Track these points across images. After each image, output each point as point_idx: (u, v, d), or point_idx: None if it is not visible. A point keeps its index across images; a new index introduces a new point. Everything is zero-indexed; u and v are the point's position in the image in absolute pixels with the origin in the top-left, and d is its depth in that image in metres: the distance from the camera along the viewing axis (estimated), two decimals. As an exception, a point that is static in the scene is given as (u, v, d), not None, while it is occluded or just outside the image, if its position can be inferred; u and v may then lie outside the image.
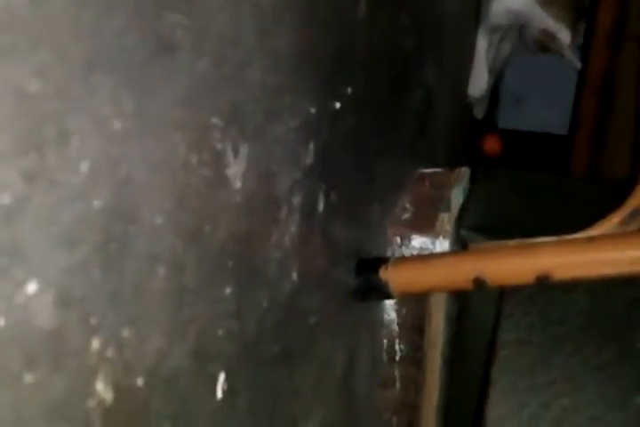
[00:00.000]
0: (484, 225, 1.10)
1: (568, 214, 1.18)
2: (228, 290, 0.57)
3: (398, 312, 1.04)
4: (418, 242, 1.04)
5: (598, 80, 1.89)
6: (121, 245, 0.41)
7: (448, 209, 1.13)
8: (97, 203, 0.39)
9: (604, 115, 1.92)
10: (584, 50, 1.92)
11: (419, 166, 1.26)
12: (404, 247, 1.04)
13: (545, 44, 1.78)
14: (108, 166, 0.39)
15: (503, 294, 0.98)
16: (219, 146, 0.53)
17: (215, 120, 0.52)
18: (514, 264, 0.80)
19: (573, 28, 1.71)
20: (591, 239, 0.77)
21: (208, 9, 0.50)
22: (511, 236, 0.99)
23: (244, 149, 0.57)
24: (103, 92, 0.39)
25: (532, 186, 1.30)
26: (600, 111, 1.92)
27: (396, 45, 1.09)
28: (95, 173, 0.38)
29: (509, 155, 2.41)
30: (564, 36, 1.72)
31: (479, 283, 0.81)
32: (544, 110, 2.41)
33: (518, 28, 1.78)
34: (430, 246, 1.04)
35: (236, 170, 0.56)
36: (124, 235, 0.41)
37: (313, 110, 0.72)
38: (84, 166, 0.37)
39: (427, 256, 0.95)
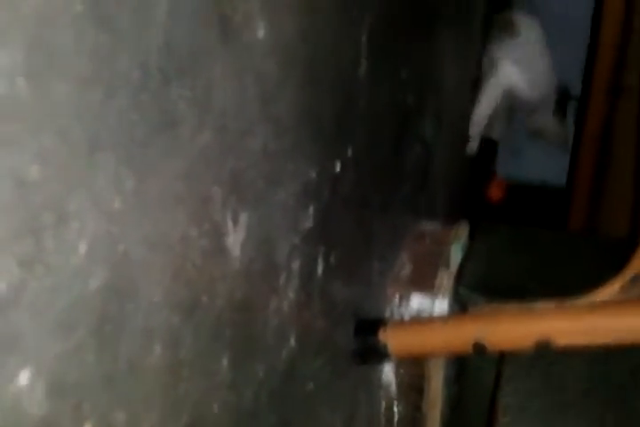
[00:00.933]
0: (484, 284, 1.10)
1: (568, 272, 1.17)
2: (224, 361, 0.56)
3: (397, 373, 1.02)
4: (417, 301, 1.03)
5: (596, 131, 1.90)
6: (117, 324, 0.40)
7: (447, 266, 1.12)
8: (94, 283, 0.38)
9: (603, 167, 1.93)
10: (582, 101, 1.93)
11: (418, 222, 1.25)
12: (403, 306, 1.03)
13: (541, 133, 1.88)
14: (106, 245, 0.39)
15: (503, 357, 0.97)
16: (218, 216, 0.53)
17: (215, 190, 0.52)
18: (514, 330, 0.79)
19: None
20: (592, 306, 0.77)
21: (212, 81, 0.49)
22: (511, 295, 0.98)
23: (243, 217, 0.57)
24: (106, 171, 0.38)
25: (531, 242, 1.29)
26: (598, 163, 1.93)
27: (396, 101, 1.09)
28: (93, 253, 0.37)
29: (508, 206, 2.41)
30: (564, 133, 1.82)
31: (479, 348, 0.80)
32: (542, 162, 2.42)
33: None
34: (429, 306, 1.03)
35: (235, 238, 0.56)
36: (120, 314, 0.41)
37: (313, 174, 0.72)
38: (82, 247, 0.37)
39: (425, 319, 0.94)
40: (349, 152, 0.86)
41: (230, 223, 0.55)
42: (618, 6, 1.70)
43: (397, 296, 1.03)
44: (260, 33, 0.58)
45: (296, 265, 0.69)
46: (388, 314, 1.02)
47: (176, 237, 0.47)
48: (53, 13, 0.33)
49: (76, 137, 0.35)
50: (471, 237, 1.27)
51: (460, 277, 1.12)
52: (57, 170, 0.34)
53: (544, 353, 0.90)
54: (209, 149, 0.50)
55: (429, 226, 1.24)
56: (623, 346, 0.81)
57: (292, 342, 0.69)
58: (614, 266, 0.91)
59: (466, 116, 1.84)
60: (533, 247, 1.27)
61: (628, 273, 0.85)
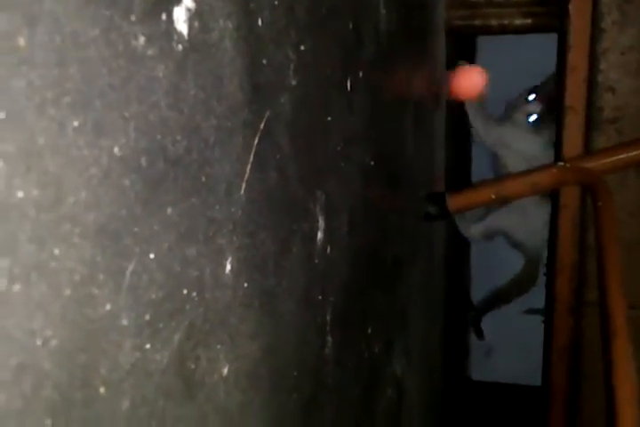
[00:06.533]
0: None
1: None
2: None
3: None
4: None
5: (565, 346, 1.90)
6: None
7: None
8: None
9: (576, 378, 1.91)
10: (547, 314, 1.94)
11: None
12: None
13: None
14: None
15: None
16: None
17: None
18: None
19: None
20: None
21: None
22: None
23: None
24: None
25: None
26: (571, 376, 1.91)
27: (363, 357, 1.09)
28: None
29: (482, 407, 2.36)
30: None
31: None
32: (514, 361, 2.40)
33: None
34: None
35: None
36: None
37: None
38: None
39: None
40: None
41: None
42: (571, 225, 1.77)
43: None
44: (225, 370, 0.59)
45: None
46: None
47: None
48: None
49: None
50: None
51: None
52: None
53: None
54: None
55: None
56: None
57: None
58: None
59: (436, 348, 1.82)
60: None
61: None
